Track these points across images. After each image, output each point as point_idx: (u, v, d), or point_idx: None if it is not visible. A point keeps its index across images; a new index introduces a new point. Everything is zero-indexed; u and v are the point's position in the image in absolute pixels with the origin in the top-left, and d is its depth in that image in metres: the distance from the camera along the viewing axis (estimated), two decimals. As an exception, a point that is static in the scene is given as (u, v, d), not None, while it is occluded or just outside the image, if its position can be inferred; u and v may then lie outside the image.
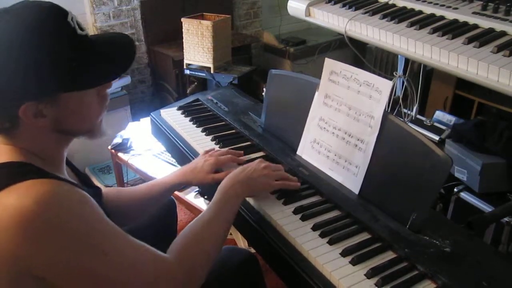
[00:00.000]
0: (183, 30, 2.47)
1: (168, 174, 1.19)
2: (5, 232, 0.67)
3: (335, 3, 1.75)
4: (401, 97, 1.85)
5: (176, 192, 1.75)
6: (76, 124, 0.82)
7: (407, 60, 1.91)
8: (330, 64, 1.14)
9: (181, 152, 1.36)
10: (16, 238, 0.67)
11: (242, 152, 1.23)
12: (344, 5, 1.72)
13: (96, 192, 0.95)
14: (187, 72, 2.60)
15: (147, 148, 2.07)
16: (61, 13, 0.76)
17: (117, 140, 2.12)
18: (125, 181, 2.24)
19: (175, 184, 1.16)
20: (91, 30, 2.75)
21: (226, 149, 1.24)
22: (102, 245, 0.73)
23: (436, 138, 1.74)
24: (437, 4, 1.56)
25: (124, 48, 0.86)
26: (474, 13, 1.44)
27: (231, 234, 1.97)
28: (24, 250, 0.68)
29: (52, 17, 0.75)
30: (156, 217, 1.24)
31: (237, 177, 0.99)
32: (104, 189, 1.16)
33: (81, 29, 0.78)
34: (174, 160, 1.89)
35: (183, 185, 1.20)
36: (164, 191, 1.16)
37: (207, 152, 1.19)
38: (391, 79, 1.21)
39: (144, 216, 1.19)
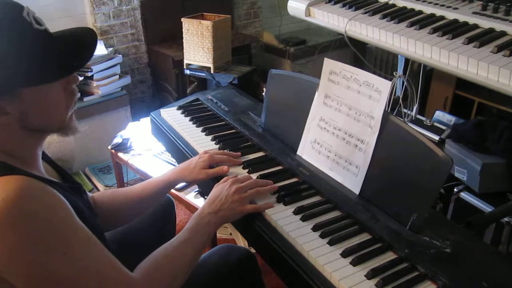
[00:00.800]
0: (183, 30, 2.47)
1: (163, 173, 1.19)
2: None
3: (335, 3, 1.75)
4: (401, 97, 1.85)
5: (176, 192, 1.75)
6: (43, 120, 0.81)
7: (407, 60, 1.91)
8: (329, 64, 1.14)
9: (181, 152, 1.36)
10: None
11: (240, 154, 1.23)
12: (344, 5, 1.71)
13: (75, 188, 0.93)
14: (187, 72, 2.60)
15: (147, 148, 2.07)
16: (16, 9, 0.76)
17: (117, 140, 2.12)
18: (125, 181, 2.24)
19: (170, 182, 1.17)
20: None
21: (224, 151, 1.25)
22: (64, 247, 0.72)
23: (436, 138, 1.74)
24: (437, 4, 1.56)
25: (83, 42, 0.85)
26: (474, 13, 1.44)
27: (230, 234, 1.97)
28: None
29: (7, 13, 0.74)
30: (155, 217, 1.25)
31: (210, 207, 0.98)
32: (98, 192, 1.16)
33: (39, 24, 0.78)
34: (174, 160, 1.89)
35: (178, 183, 1.21)
36: (159, 190, 1.16)
37: (205, 152, 1.19)
38: (391, 79, 1.21)
39: (140, 216, 1.19)
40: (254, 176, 1.14)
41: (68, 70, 0.82)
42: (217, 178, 1.12)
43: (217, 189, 1.03)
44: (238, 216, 1.00)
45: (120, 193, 1.17)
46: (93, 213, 0.95)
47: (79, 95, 0.89)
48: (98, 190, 2.41)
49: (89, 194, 1.10)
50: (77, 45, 0.83)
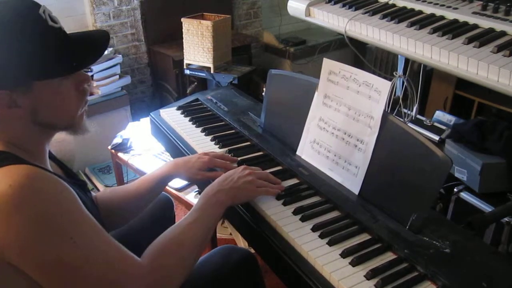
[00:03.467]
0: (183, 30, 2.47)
1: (159, 166, 1.19)
2: None
3: (335, 3, 1.75)
4: (401, 97, 1.85)
5: (176, 192, 1.76)
6: (52, 116, 0.83)
7: (407, 60, 1.91)
8: (328, 65, 1.14)
9: (180, 152, 1.36)
10: None
11: (237, 159, 1.21)
12: (344, 5, 1.71)
13: (79, 184, 0.94)
14: (187, 72, 2.60)
15: (147, 148, 2.07)
16: (34, 6, 0.79)
17: (117, 140, 2.12)
18: (125, 181, 2.24)
19: (167, 177, 1.16)
20: (91, 30, 2.75)
21: (222, 151, 1.24)
22: (72, 232, 0.72)
23: (436, 138, 1.74)
24: (437, 4, 1.55)
25: (95, 42, 0.88)
26: (474, 13, 1.43)
27: (230, 234, 1.97)
28: None
29: (24, 9, 0.77)
30: (154, 218, 1.25)
31: (221, 185, 0.98)
32: (98, 192, 1.16)
33: (54, 21, 0.81)
34: (174, 160, 1.89)
35: (174, 178, 1.20)
36: (156, 184, 1.15)
37: (205, 154, 1.19)
38: (391, 79, 1.21)
39: (139, 213, 1.19)
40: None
41: (77, 66, 0.84)
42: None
43: (228, 172, 1.03)
44: (248, 197, 1.00)
45: (118, 191, 1.17)
46: (98, 211, 0.95)
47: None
48: (98, 190, 2.41)
49: (92, 194, 1.10)
50: (88, 44, 0.86)
